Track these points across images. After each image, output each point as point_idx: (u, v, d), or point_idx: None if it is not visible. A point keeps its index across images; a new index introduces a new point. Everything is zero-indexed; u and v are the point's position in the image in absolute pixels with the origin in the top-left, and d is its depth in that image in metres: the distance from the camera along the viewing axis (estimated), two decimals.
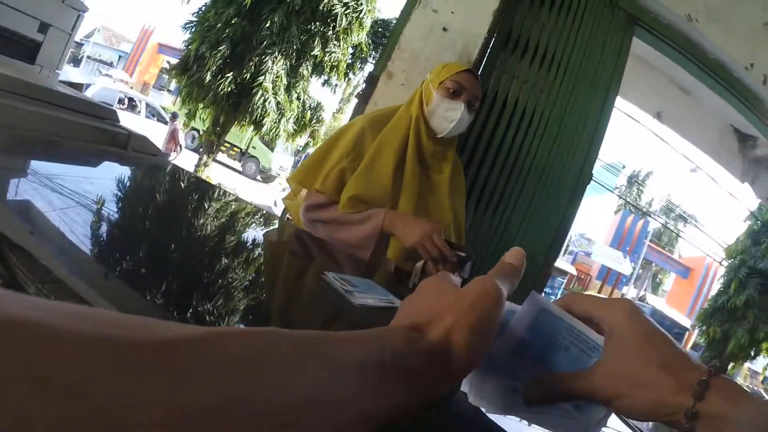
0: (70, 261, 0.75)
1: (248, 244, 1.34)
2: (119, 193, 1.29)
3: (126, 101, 14.67)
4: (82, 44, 31.76)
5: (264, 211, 1.85)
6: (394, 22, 2.95)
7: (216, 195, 1.80)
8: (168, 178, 1.78)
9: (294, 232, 1.69)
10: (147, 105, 15.52)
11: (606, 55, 2.86)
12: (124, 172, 1.60)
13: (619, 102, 3.94)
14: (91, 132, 1.59)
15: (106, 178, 1.44)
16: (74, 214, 0.96)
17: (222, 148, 10.28)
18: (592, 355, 0.46)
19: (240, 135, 14.63)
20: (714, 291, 12.49)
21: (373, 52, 9.52)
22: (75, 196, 1.05)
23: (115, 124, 1.76)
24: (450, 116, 1.73)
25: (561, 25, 2.80)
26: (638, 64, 4.23)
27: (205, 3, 8.81)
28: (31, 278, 0.60)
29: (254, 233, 1.52)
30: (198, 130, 14.45)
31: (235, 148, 18.30)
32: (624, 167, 33.58)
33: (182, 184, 1.78)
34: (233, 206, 1.70)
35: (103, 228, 1.00)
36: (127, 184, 1.44)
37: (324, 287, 1.04)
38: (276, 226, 1.79)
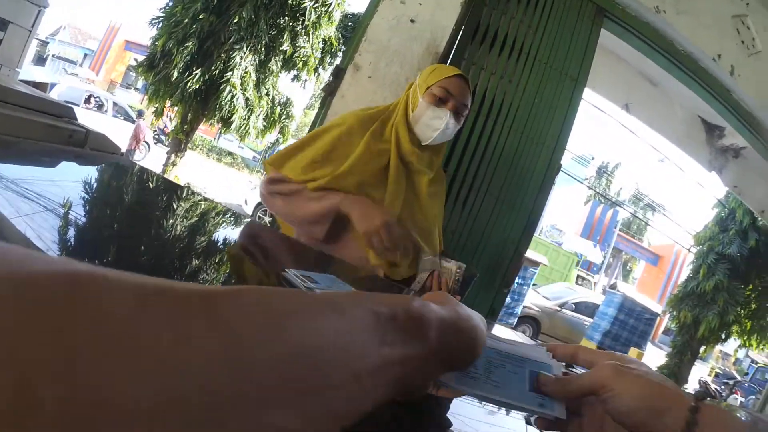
0: None
1: (214, 245, 1.31)
2: (85, 195, 1.25)
3: (92, 100, 14.38)
4: (47, 42, 31.07)
5: (233, 212, 1.82)
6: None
7: (184, 195, 1.76)
8: (132, 178, 1.74)
9: (258, 231, 1.66)
10: (114, 104, 15.21)
11: (574, 46, 2.89)
12: (86, 172, 1.55)
13: (588, 94, 3.97)
14: (48, 130, 1.53)
15: (67, 180, 1.40)
16: (41, 219, 0.92)
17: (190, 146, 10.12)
18: (525, 366, 0.58)
19: None
20: (683, 277, 12.76)
21: (343, 47, 9.44)
22: (41, 200, 1.01)
23: (72, 122, 1.71)
24: (434, 124, 1.66)
25: (529, 17, 2.82)
26: (607, 56, 4.27)
27: None
28: None
29: (223, 233, 1.49)
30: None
31: None
32: (593, 158, 34.03)
33: (149, 185, 1.74)
34: (202, 206, 1.65)
35: (70, 232, 0.96)
36: (92, 184, 1.40)
37: (284, 285, 1.01)
38: (242, 225, 1.76)
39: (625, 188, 39.02)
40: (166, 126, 16.97)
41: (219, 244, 1.33)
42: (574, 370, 1.25)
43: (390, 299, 0.39)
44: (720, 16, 3.20)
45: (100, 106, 14.51)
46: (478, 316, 0.50)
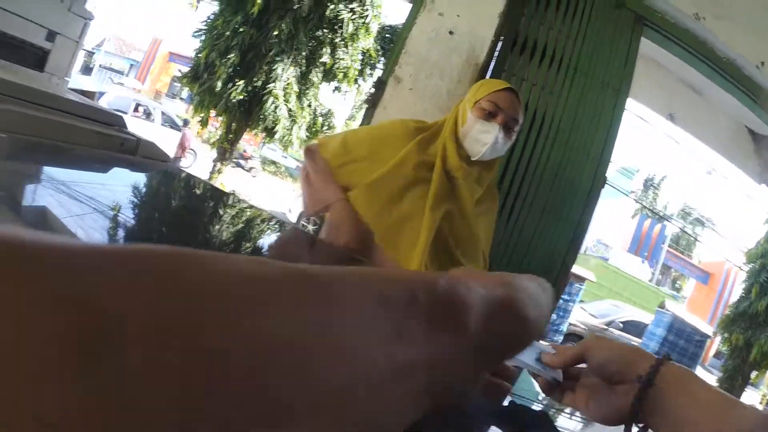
0: None
1: (258, 252, 1.34)
2: (133, 199, 1.30)
3: (140, 109, 14.82)
4: (93, 53, 32.07)
5: (277, 219, 1.86)
6: (401, 27, 2.95)
7: (229, 202, 1.80)
8: (179, 184, 1.79)
9: (298, 237, 1.69)
10: (162, 113, 15.63)
11: (615, 55, 2.84)
12: (136, 178, 1.61)
13: (631, 103, 3.91)
14: (100, 138, 1.60)
15: (119, 185, 1.46)
16: (91, 220, 0.97)
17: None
18: (534, 347, 0.74)
19: None
20: (735, 296, 12.21)
21: (382, 58, 9.51)
22: (91, 202, 1.06)
23: (123, 130, 1.77)
24: (483, 139, 1.61)
25: (568, 27, 2.78)
26: (648, 65, 4.19)
27: (214, 12, 8.84)
28: None
29: (268, 240, 1.52)
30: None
31: None
32: (638, 171, 33.30)
33: (196, 191, 1.79)
34: (247, 213, 1.69)
35: (119, 234, 1.00)
36: (141, 189, 1.45)
37: None
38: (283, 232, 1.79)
39: (673, 201, 38.01)
40: (245, 150, 17.68)
41: (263, 250, 1.36)
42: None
43: (408, 276, 0.30)
44: (761, 21, 3.08)
45: (147, 115, 14.90)
46: (537, 283, 0.40)
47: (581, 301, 12.91)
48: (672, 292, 23.97)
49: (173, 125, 15.43)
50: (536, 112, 2.70)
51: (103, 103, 12.39)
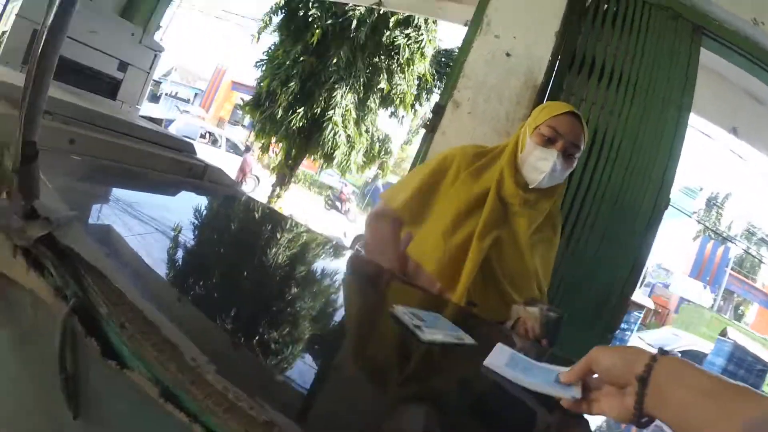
0: (143, 284, 0.78)
1: (317, 274, 1.36)
2: (194, 221, 1.35)
3: (208, 136, 15.51)
4: (161, 82, 33.42)
5: (333, 242, 1.88)
6: (457, 51, 2.96)
7: (287, 225, 1.84)
8: (240, 207, 1.85)
9: (364, 263, 1.71)
10: (227, 140, 16.26)
11: (675, 69, 2.74)
12: (200, 201, 1.67)
13: (692, 118, 3.79)
14: (170, 163, 1.66)
15: (184, 207, 1.51)
16: (152, 239, 1.01)
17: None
18: (553, 370, 0.88)
19: None
20: None
21: (438, 82, 9.55)
22: (153, 222, 1.11)
23: (192, 156, 1.84)
24: (541, 166, 1.57)
25: (626, 42, 2.72)
26: (708, 76, 4.04)
27: (275, 42, 9.15)
28: (104, 299, 0.62)
29: (324, 263, 1.54)
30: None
31: None
32: (701, 189, 31.98)
33: (255, 214, 1.84)
34: (304, 237, 1.72)
35: (178, 253, 1.04)
36: (202, 212, 1.50)
37: (393, 321, 1.03)
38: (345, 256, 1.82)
39: (737, 221, 36.37)
40: (342, 192, 18.09)
41: (318, 273, 1.38)
42: None
43: None
44: None
45: (214, 142, 15.64)
46: None
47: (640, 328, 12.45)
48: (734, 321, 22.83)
49: (236, 151, 15.96)
50: (596, 132, 2.63)
51: (173, 129, 12.99)
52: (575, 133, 1.58)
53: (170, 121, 14.48)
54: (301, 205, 15.02)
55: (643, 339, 12.94)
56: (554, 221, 1.78)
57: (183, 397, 0.52)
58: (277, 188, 10.09)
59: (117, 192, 1.34)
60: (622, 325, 10.00)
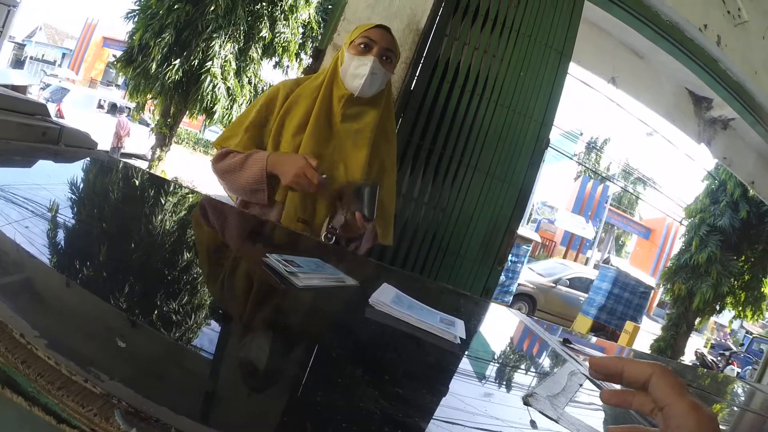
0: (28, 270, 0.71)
1: (183, 233, 1.27)
2: (68, 195, 1.20)
3: (105, 104, 15.07)
4: (24, 45, 30.62)
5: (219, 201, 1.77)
6: None
7: (171, 188, 1.76)
8: (117, 175, 1.69)
9: (240, 216, 1.62)
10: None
11: (558, 19, 2.82)
12: (61, 169, 1.50)
13: (574, 68, 3.92)
14: (18, 129, 1.46)
15: (40, 176, 1.33)
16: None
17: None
18: (437, 312, 1.04)
19: None
20: (676, 250, 12.84)
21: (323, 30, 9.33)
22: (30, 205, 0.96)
23: (45, 119, 1.64)
24: (360, 71, 1.70)
25: None
26: (591, 29, 4.21)
27: None
28: None
29: (187, 219, 1.45)
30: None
31: None
32: (581, 134, 33.93)
33: (135, 181, 1.69)
34: (189, 199, 1.66)
35: (59, 235, 0.90)
36: (67, 182, 1.33)
37: (267, 271, 0.99)
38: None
39: (615, 163, 39.05)
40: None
41: (180, 228, 1.28)
42: (572, 345, 1.44)
43: None
44: None
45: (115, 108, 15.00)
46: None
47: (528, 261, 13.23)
48: None
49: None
50: (479, 75, 2.67)
51: (68, 103, 12.73)
52: (387, 39, 1.75)
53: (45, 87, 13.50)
54: (186, 168, 14.37)
55: (533, 269, 13.94)
56: (383, 129, 1.87)
57: (20, 380, 0.48)
58: (157, 150, 9.52)
59: None
60: (513, 258, 10.59)
